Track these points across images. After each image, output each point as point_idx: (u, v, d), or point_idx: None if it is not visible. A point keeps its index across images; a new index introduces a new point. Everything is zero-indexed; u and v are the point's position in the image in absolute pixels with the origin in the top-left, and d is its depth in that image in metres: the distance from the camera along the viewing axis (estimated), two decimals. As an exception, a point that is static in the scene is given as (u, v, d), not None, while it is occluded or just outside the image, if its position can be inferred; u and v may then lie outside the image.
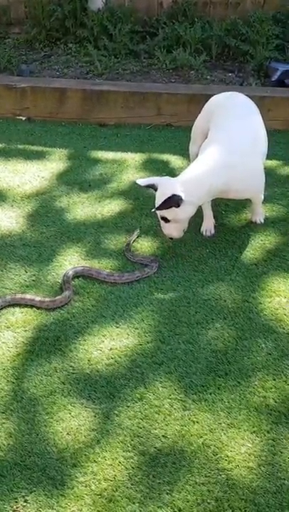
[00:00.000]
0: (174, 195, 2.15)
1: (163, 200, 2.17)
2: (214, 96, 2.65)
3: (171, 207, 2.18)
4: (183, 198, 2.17)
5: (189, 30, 3.86)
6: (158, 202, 2.22)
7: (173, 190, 2.17)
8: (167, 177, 2.38)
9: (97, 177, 3.01)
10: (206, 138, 2.42)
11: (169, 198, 2.15)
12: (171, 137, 3.40)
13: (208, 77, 3.80)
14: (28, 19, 4.25)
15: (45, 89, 3.56)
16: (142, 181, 2.33)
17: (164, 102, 3.49)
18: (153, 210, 2.24)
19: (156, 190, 2.26)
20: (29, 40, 4.23)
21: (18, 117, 3.60)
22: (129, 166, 3.11)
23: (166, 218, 2.26)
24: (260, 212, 2.60)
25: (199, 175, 2.24)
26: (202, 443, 1.65)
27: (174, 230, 2.30)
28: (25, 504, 1.50)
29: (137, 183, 2.36)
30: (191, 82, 3.71)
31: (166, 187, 2.21)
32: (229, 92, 2.71)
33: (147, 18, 4.13)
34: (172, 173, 3.04)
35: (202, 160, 2.29)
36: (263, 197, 2.52)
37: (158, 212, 2.25)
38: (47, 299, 2.13)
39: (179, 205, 2.17)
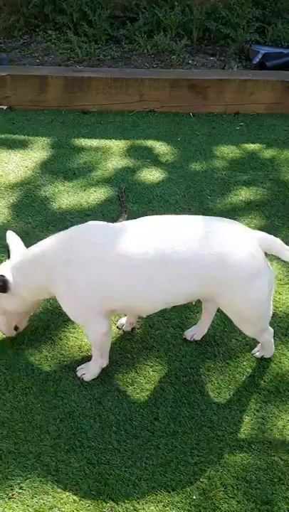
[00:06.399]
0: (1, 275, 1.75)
1: None
2: None
3: None
4: (10, 282, 1.74)
5: (169, 15, 3.82)
6: None
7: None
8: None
9: (82, 165, 2.99)
10: None
11: None
12: (155, 123, 3.39)
13: (190, 61, 3.78)
14: (6, 6, 4.16)
15: (26, 77, 3.51)
16: None
17: (146, 88, 3.47)
18: None
19: None
20: (7, 27, 4.15)
21: (-1, 107, 3.56)
22: (113, 154, 3.09)
23: None
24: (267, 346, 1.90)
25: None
26: (193, 424, 1.68)
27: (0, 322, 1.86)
28: (20, 491, 1.52)
29: None
30: (173, 67, 3.69)
31: None
32: None
33: (127, 3, 4.07)
34: (157, 159, 3.04)
35: None
36: None
37: None
38: None
39: (5, 290, 1.74)
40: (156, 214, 2.60)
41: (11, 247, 1.83)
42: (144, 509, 1.48)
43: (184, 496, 1.51)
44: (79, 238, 1.67)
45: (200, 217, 1.72)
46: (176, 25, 3.84)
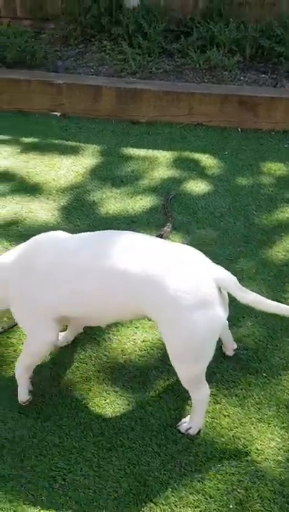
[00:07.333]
0: None
1: None
2: None
3: None
4: None
5: (224, 31, 3.88)
6: None
7: None
8: None
9: (129, 173, 3.07)
10: None
11: None
12: (203, 136, 3.44)
13: (242, 77, 3.82)
14: (64, 15, 4.32)
15: (81, 86, 3.63)
16: None
17: (196, 102, 3.53)
18: None
19: None
20: (64, 36, 4.30)
21: (53, 113, 3.68)
22: (160, 164, 3.16)
23: None
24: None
25: None
26: (232, 435, 1.71)
27: None
28: (63, 483, 1.58)
29: None
30: (224, 83, 3.74)
31: None
32: None
33: (182, 17, 4.16)
34: (203, 172, 3.09)
35: None
36: None
37: None
38: None
39: None
40: (201, 225, 2.66)
41: None
42: (181, 513, 1.51)
43: (221, 504, 1.54)
44: (34, 246, 1.69)
45: (165, 241, 1.70)
46: (230, 42, 3.89)
